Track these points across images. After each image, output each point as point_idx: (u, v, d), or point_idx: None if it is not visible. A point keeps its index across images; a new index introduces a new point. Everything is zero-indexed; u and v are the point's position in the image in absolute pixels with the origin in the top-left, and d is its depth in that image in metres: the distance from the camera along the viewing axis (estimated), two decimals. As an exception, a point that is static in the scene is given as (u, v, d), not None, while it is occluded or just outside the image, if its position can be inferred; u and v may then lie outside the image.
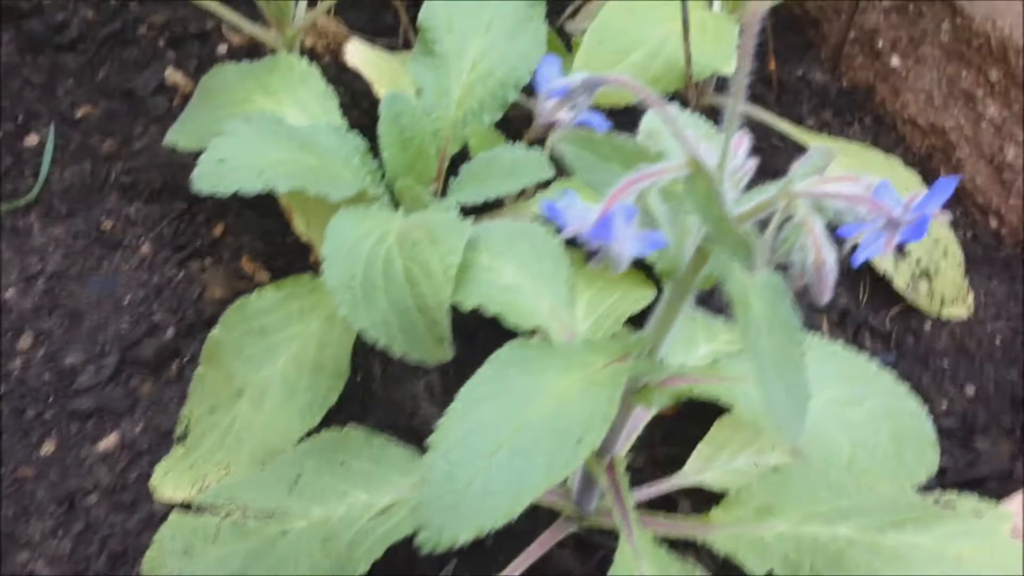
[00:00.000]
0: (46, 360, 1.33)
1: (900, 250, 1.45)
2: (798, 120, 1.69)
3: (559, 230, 0.65)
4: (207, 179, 1.17)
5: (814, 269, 0.70)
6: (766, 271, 0.80)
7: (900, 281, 1.46)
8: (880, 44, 1.65)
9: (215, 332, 1.24)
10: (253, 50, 1.70)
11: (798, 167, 0.73)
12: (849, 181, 0.71)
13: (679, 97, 1.37)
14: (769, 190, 0.74)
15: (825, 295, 0.71)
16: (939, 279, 1.47)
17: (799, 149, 1.61)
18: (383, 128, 1.28)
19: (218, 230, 1.48)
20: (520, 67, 1.33)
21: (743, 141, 0.83)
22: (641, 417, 1.16)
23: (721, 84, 1.72)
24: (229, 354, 1.24)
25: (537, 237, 1.10)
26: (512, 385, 0.85)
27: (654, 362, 0.92)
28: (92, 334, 1.36)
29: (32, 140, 1.57)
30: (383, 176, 1.30)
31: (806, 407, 0.81)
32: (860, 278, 1.51)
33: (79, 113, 1.60)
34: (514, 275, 1.07)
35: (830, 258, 0.70)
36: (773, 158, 1.63)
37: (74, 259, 1.43)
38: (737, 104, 0.70)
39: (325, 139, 1.26)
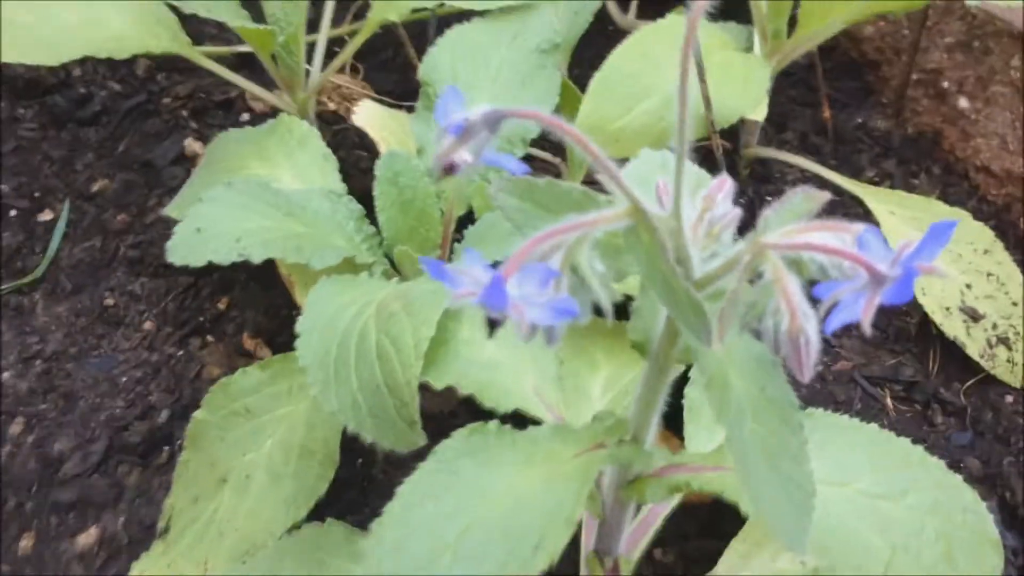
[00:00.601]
0: (35, 446, 1.26)
1: (974, 317, 1.28)
2: (857, 172, 1.54)
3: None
4: (180, 250, 1.10)
5: (788, 339, 0.56)
6: (749, 340, 0.66)
7: (973, 348, 1.28)
8: (946, 85, 1.50)
9: (199, 414, 1.15)
10: (274, 117, 1.64)
11: (773, 213, 0.60)
12: (831, 229, 0.57)
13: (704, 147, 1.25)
14: (740, 244, 0.61)
15: (805, 372, 0.57)
16: (1019, 346, 1.29)
17: (858, 204, 1.45)
18: (380, 189, 1.19)
19: (222, 304, 1.40)
20: (525, 123, 1.22)
21: (725, 185, 0.70)
22: (657, 511, 1.01)
23: (770, 135, 1.58)
24: (213, 437, 1.15)
25: (527, 305, 0.97)
26: (463, 479, 0.73)
27: (639, 450, 0.78)
28: (85, 418, 1.28)
29: (46, 216, 1.52)
30: (381, 242, 1.20)
31: (810, 506, 0.66)
32: (929, 344, 1.34)
33: (95, 187, 1.56)
34: (496, 349, 0.95)
35: (809, 325, 0.56)
36: (827, 214, 1.48)
37: (74, 338, 1.37)
38: (684, 138, 0.57)
39: (316, 204, 1.18)
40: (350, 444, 1.12)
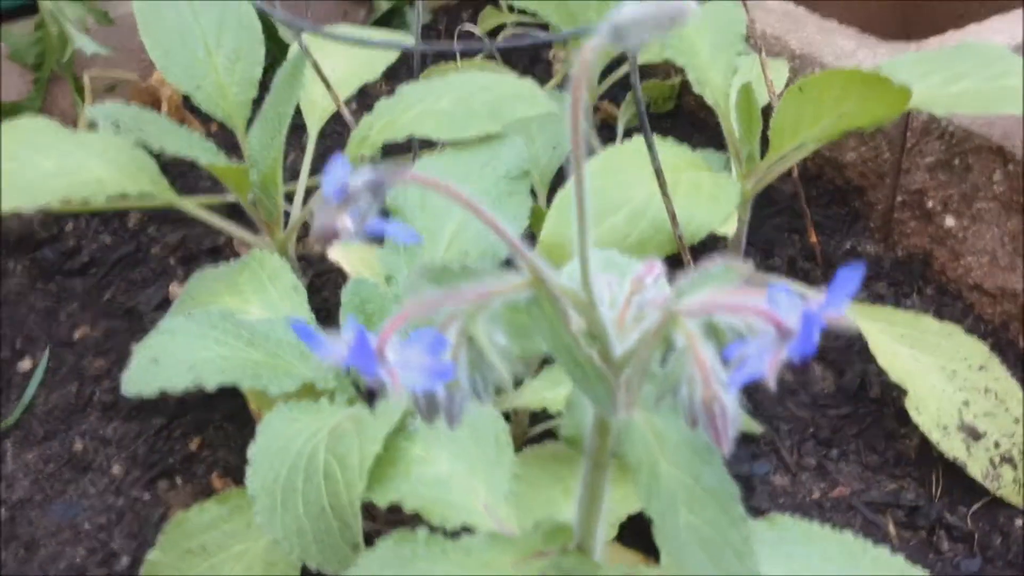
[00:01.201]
0: (-10, 597, 1.20)
1: (974, 436, 1.21)
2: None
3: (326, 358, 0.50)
4: (134, 380, 1.07)
5: (703, 408, 0.52)
6: (684, 426, 0.61)
7: (976, 469, 1.21)
8: (931, 205, 1.48)
9: (152, 555, 1.10)
10: (258, 261, 1.64)
11: (687, 281, 0.56)
12: (745, 293, 0.53)
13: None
14: (653, 315, 0.57)
15: (723, 443, 0.52)
16: (1026, 464, 1.22)
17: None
18: (345, 315, 1.17)
19: (194, 445, 1.36)
20: (499, 243, 1.21)
21: (654, 268, 0.67)
22: (632, 642, 0.94)
23: (757, 262, 1.56)
24: (168, 580, 1.09)
25: (482, 420, 0.93)
26: (386, 594, 0.67)
27: (585, 559, 0.72)
28: (43, 566, 1.23)
29: (26, 365, 1.51)
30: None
31: (759, 611, 0.60)
32: (931, 466, 1.27)
33: (77, 334, 1.55)
34: (449, 465, 0.90)
35: (724, 394, 0.52)
36: (819, 338, 1.43)
37: (41, 485, 1.33)
38: (583, 198, 0.54)
39: (280, 333, 1.15)
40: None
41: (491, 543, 0.71)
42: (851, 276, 0.48)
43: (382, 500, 0.88)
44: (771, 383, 0.47)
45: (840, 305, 0.48)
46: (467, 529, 0.85)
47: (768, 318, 0.49)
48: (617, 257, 0.83)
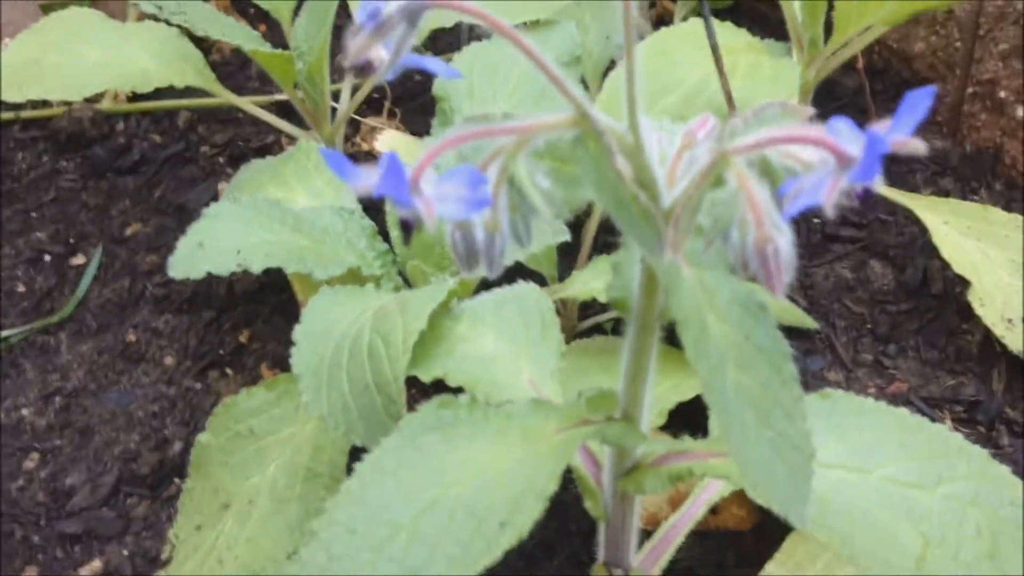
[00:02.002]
0: (48, 480, 1.22)
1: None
2: (913, 191, 1.44)
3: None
4: (180, 264, 1.07)
5: (755, 251, 0.49)
6: (734, 283, 0.59)
7: (1042, 363, 1.17)
8: (1003, 95, 1.41)
9: (203, 437, 1.10)
10: (307, 158, 1.63)
11: (741, 122, 0.53)
12: (803, 127, 0.50)
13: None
14: (704, 156, 0.54)
15: (777, 288, 0.49)
16: (1095, 359, 1.17)
17: (912, 222, 1.36)
18: (391, 206, 1.15)
19: (243, 337, 1.36)
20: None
21: (708, 122, 0.64)
22: (679, 526, 0.92)
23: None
24: (217, 462, 1.10)
25: (528, 300, 0.91)
26: (427, 455, 0.66)
27: (631, 427, 0.70)
28: (98, 452, 1.25)
29: (79, 260, 1.52)
30: (395, 260, 1.16)
31: (809, 469, 0.58)
32: (993, 362, 1.23)
33: (128, 231, 1.55)
34: (494, 344, 0.88)
35: (778, 235, 0.49)
36: (879, 233, 1.39)
37: (95, 375, 1.34)
38: (631, 38, 0.51)
39: (326, 221, 1.14)
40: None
41: (534, 409, 0.69)
42: (920, 98, 0.44)
43: (426, 376, 0.87)
44: (829, 211, 0.44)
45: (907, 129, 0.44)
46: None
47: (827, 146, 0.46)
48: (669, 124, 0.79)
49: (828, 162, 0.47)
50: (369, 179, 0.47)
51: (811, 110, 0.56)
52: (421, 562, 0.61)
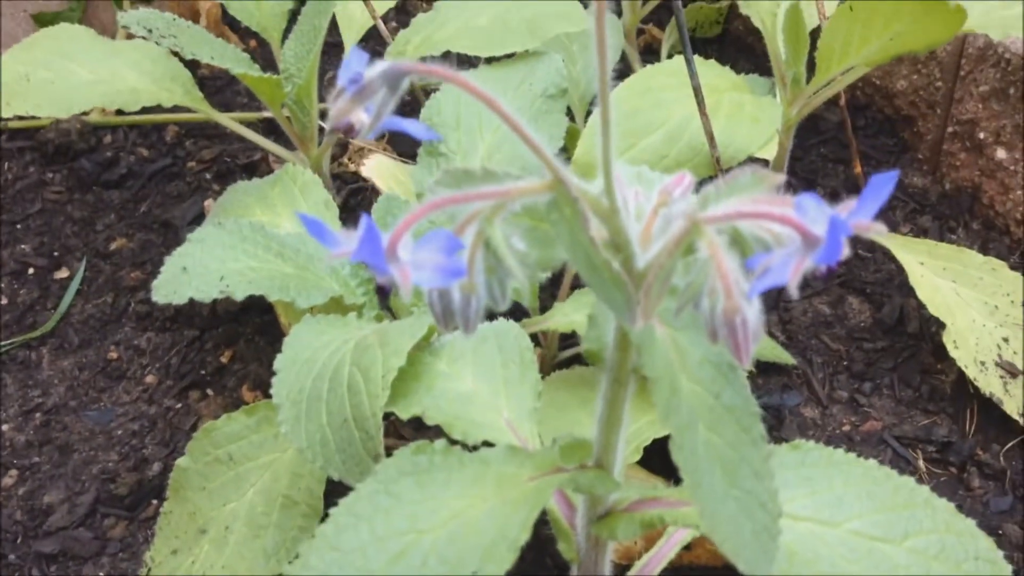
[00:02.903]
0: (24, 498, 1.22)
1: (1012, 373, 1.19)
2: (892, 228, 1.46)
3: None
4: (164, 288, 1.07)
5: (724, 320, 0.50)
6: (706, 343, 0.60)
7: (1012, 406, 1.19)
8: (982, 136, 1.43)
9: (182, 461, 1.11)
10: (293, 178, 1.63)
11: (714, 189, 0.54)
12: (771, 202, 0.51)
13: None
14: (677, 224, 0.55)
15: (743, 358, 0.50)
16: (1065, 403, 1.19)
17: (890, 260, 1.38)
18: (375, 234, 1.15)
19: (225, 357, 1.37)
20: (533, 162, 1.19)
21: (684, 180, 0.65)
22: (652, 565, 0.93)
23: (799, 191, 1.52)
24: (195, 487, 1.10)
25: (507, 338, 0.92)
26: (402, 501, 0.67)
27: (604, 475, 0.71)
28: (77, 470, 1.25)
29: (63, 274, 1.52)
30: (378, 287, 1.16)
31: (775, 528, 0.59)
32: (966, 403, 1.24)
33: (113, 246, 1.56)
34: (473, 382, 0.89)
35: (747, 305, 0.50)
36: (858, 269, 1.41)
37: (76, 392, 1.35)
38: (607, 103, 0.52)
39: (310, 247, 1.14)
40: (339, 494, 1.07)
41: (509, 456, 0.70)
42: (884, 183, 0.46)
43: (405, 413, 0.88)
44: (793, 291, 0.45)
45: (870, 213, 0.46)
46: (489, 445, 0.84)
47: (794, 225, 0.47)
48: (647, 172, 0.81)
49: (795, 238, 0.48)
50: (348, 245, 0.48)
51: (782, 177, 0.57)
52: (393, 609, 0.62)
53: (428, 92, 1.50)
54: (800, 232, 0.46)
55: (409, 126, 0.52)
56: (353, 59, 0.51)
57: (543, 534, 0.96)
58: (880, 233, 0.46)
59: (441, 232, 0.49)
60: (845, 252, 0.46)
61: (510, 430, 0.84)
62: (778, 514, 0.59)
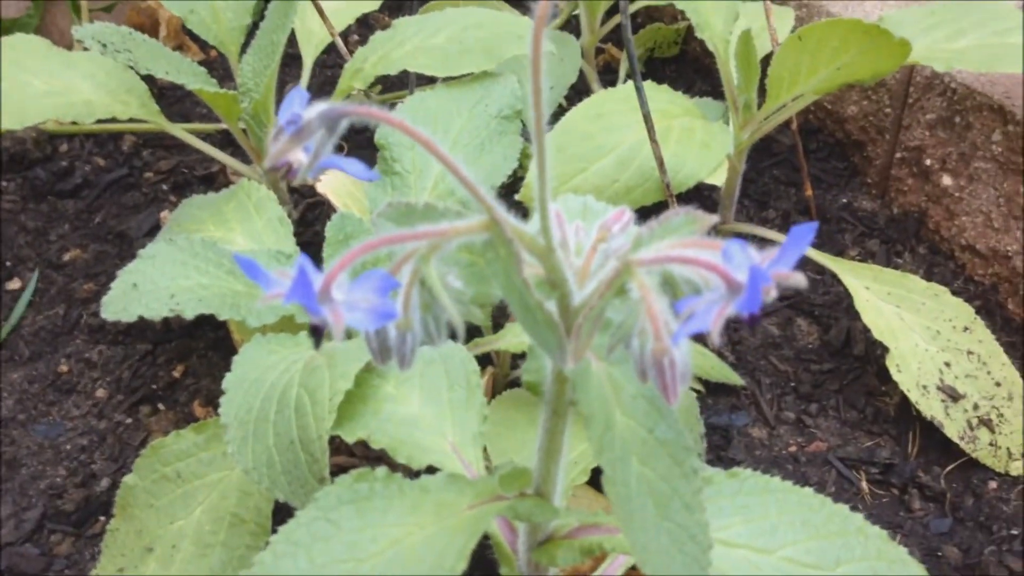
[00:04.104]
0: (-29, 512, 1.21)
1: (954, 397, 1.21)
2: (840, 251, 1.49)
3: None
4: (113, 305, 1.07)
5: (652, 361, 0.51)
6: (636, 379, 0.61)
7: (953, 430, 1.21)
8: (929, 163, 1.46)
9: (129, 479, 1.10)
10: (250, 191, 1.63)
11: (647, 231, 0.56)
12: (703, 246, 0.53)
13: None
14: (611, 264, 0.56)
15: (670, 396, 0.52)
16: (1003, 428, 1.22)
17: (838, 282, 1.40)
18: (329, 251, 1.16)
19: (177, 372, 1.37)
20: (487, 183, 1.20)
21: (623, 216, 0.66)
22: (598, 587, 0.94)
23: (751, 213, 1.55)
24: (142, 504, 1.10)
25: (454, 361, 0.93)
26: (341, 529, 0.68)
27: (543, 503, 0.72)
28: (24, 485, 1.24)
29: (14, 285, 1.51)
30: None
31: (706, 561, 0.60)
32: (908, 426, 1.27)
33: (67, 257, 1.55)
34: (419, 405, 0.90)
35: (674, 347, 0.51)
36: (807, 292, 1.43)
37: (25, 405, 1.34)
38: (543, 147, 0.53)
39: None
40: (287, 513, 1.07)
41: (449, 484, 0.71)
42: (803, 234, 0.47)
43: (350, 436, 0.88)
44: (715, 338, 0.47)
45: (790, 263, 0.47)
46: (434, 469, 0.85)
47: (718, 272, 0.48)
48: (593, 204, 0.82)
49: (721, 284, 0.50)
50: (280, 286, 0.49)
51: (714, 218, 0.58)
52: (329, 638, 0.62)
53: (391, 106, 1.51)
54: (724, 279, 0.48)
55: (348, 166, 0.53)
56: (294, 99, 0.52)
57: (488, 558, 0.97)
58: (799, 284, 0.47)
59: (376, 272, 0.50)
60: (766, 300, 0.47)
61: (455, 454, 0.85)
62: (709, 546, 0.60)
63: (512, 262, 0.53)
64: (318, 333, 0.49)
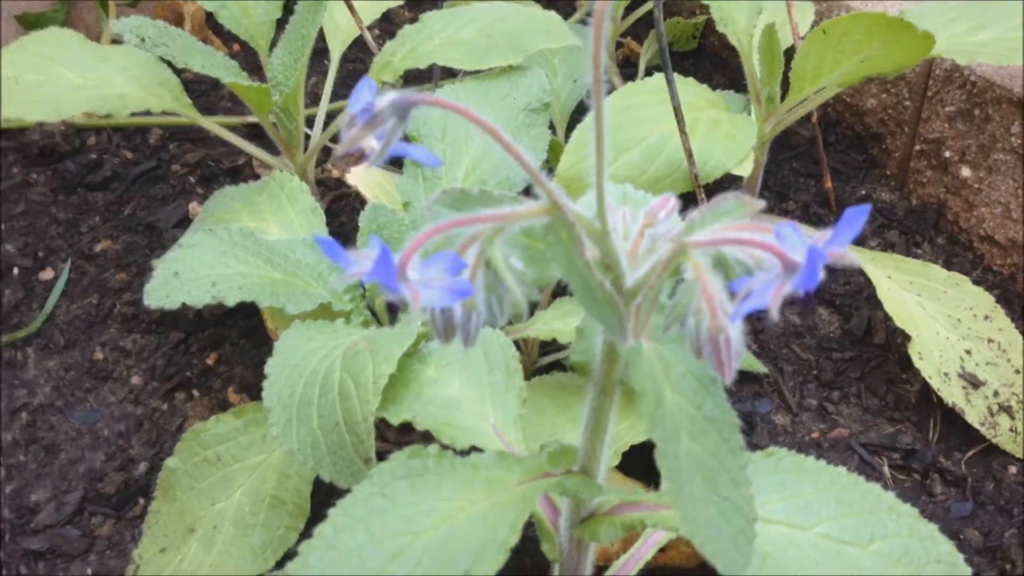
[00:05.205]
0: (12, 496, 1.24)
1: (974, 384, 1.23)
2: (860, 242, 1.51)
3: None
4: (156, 293, 1.09)
5: (708, 338, 0.54)
6: (690, 358, 0.64)
7: (974, 416, 1.23)
8: (948, 155, 1.48)
9: (170, 462, 1.13)
10: (277, 183, 1.66)
11: (699, 215, 0.58)
12: (754, 229, 0.55)
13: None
14: (665, 247, 0.59)
15: (726, 373, 0.54)
16: (1023, 414, 1.24)
17: (858, 273, 1.43)
18: (362, 241, 1.19)
19: (211, 360, 1.39)
20: (518, 174, 1.22)
21: (668, 203, 0.69)
22: (630, 566, 0.97)
23: (772, 204, 1.57)
24: (184, 486, 1.13)
25: (493, 346, 0.96)
26: (397, 504, 0.70)
27: (588, 480, 0.75)
28: (63, 469, 1.27)
29: (48, 275, 1.54)
30: (364, 294, 1.20)
31: (751, 532, 0.63)
32: (929, 412, 1.29)
33: (98, 248, 1.58)
34: (460, 388, 0.93)
35: (729, 324, 0.54)
36: (828, 282, 1.46)
37: (62, 392, 1.37)
38: (602, 133, 0.56)
39: (299, 254, 1.17)
40: (325, 495, 1.10)
41: (498, 461, 0.73)
42: (857, 216, 0.49)
43: (395, 418, 0.91)
44: (774, 314, 0.49)
45: (844, 243, 0.49)
46: (476, 450, 0.88)
47: (775, 252, 0.51)
48: (632, 191, 0.85)
49: (775, 264, 0.52)
50: (361, 266, 0.51)
51: (762, 203, 0.61)
52: (389, 607, 0.65)
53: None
54: (781, 259, 0.50)
55: (414, 152, 0.55)
56: (364, 89, 0.54)
57: (523, 535, 0.99)
58: (852, 263, 0.50)
59: (446, 253, 0.52)
60: (820, 277, 0.50)
61: (496, 435, 0.88)
62: (754, 519, 0.63)
63: (573, 245, 0.55)
64: (394, 310, 0.52)
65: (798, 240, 0.51)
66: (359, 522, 0.69)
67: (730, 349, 0.54)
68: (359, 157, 0.54)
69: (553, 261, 0.57)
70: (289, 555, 1.08)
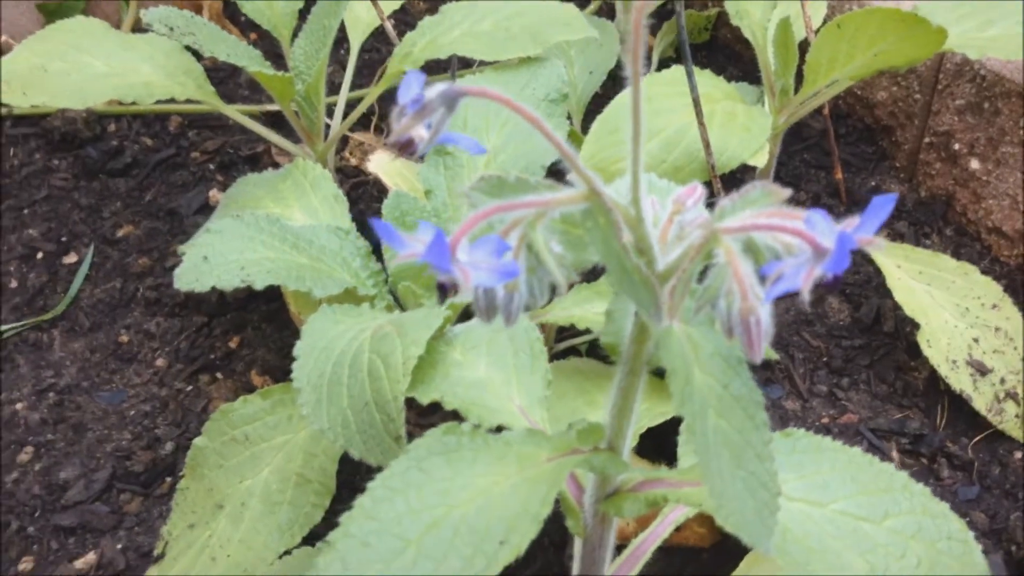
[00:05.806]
0: (41, 474, 1.27)
1: (982, 371, 1.26)
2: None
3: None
4: (186, 277, 1.12)
5: (740, 320, 0.57)
6: (717, 339, 0.67)
7: (981, 402, 1.27)
8: (957, 147, 1.51)
9: (199, 440, 1.16)
10: (296, 170, 1.69)
11: (729, 203, 0.61)
12: (782, 215, 0.58)
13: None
14: (696, 232, 0.62)
15: (755, 353, 0.57)
16: (1029, 400, 1.27)
17: (868, 262, 1.46)
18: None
19: (234, 343, 1.42)
20: (536, 163, 1.25)
21: (696, 191, 0.72)
22: (647, 544, 1.00)
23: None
24: (212, 464, 1.16)
25: (517, 329, 0.99)
26: (433, 477, 0.73)
27: (615, 457, 0.78)
28: (91, 448, 1.30)
29: (71, 259, 1.57)
30: (387, 279, 1.23)
31: (775, 505, 0.66)
32: (937, 398, 1.32)
33: (120, 233, 1.61)
34: (486, 369, 0.96)
35: (760, 307, 0.57)
36: (838, 270, 1.48)
37: (87, 373, 1.40)
38: (639, 122, 0.59)
39: (323, 239, 1.20)
40: (349, 473, 1.13)
41: (529, 438, 0.76)
42: (884, 203, 0.52)
43: (424, 398, 0.94)
44: (805, 295, 0.52)
45: (871, 229, 0.52)
46: (503, 429, 0.91)
47: (805, 238, 0.54)
48: (657, 180, 0.87)
49: (804, 249, 0.55)
50: (414, 248, 0.54)
51: (787, 192, 0.64)
52: (429, 574, 0.68)
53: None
54: (811, 244, 0.53)
55: (462, 140, 0.58)
56: (412, 80, 0.57)
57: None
58: (879, 248, 0.53)
59: (491, 237, 0.55)
60: (846, 262, 0.52)
61: (522, 415, 0.91)
62: (778, 492, 0.66)
63: (611, 230, 0.58)
64: (443, 290, 0.55)
65: (827, 227, 0.54)
66: (397, 494, 0.72)
67: (760, 330, 0.57)
68: (409, 145, 0.57)
69: (591, 245, 0.60)
70: (314, 533, 1.11)
